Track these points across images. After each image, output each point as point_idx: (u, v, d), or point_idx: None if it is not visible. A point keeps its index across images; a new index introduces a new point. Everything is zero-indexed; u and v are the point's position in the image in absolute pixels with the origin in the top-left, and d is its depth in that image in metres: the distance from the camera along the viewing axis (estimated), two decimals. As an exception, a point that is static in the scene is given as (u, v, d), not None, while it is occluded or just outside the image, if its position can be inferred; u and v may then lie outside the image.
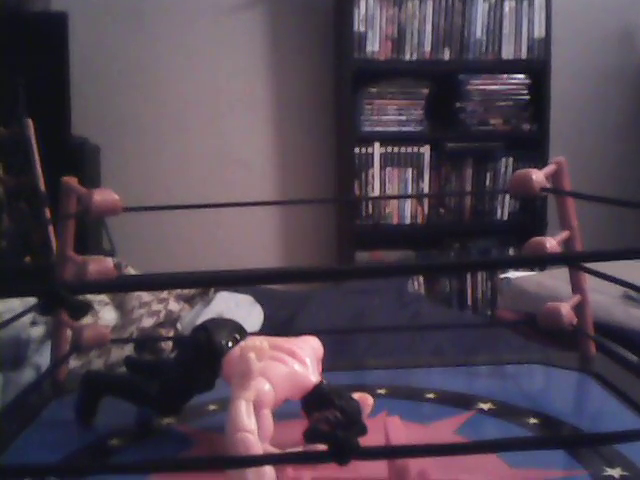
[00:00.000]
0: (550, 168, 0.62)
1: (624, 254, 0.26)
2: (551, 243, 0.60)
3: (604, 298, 0.99)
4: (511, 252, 2.48)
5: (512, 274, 1.52)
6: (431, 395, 0.60)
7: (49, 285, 0.31)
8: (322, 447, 0.43)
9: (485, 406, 0.57)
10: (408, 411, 0.56)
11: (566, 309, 0.62)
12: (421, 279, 2.49)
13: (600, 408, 0.58)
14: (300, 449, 0.46)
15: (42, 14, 2.13)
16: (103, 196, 0.56)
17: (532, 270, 1.96)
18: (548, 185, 0.60)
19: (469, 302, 2.51)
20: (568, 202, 0.63)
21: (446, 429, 0.53)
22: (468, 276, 2.51)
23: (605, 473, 0.46)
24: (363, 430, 0.46)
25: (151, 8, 2.44)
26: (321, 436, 0.45)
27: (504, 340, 0.89)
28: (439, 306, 1.42)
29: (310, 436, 0.45)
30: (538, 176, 0.60)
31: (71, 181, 0.60)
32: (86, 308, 0.67)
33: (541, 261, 0.62)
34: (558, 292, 1.10)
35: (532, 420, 0.54)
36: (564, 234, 0.63)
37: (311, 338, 0.54)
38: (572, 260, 0.54)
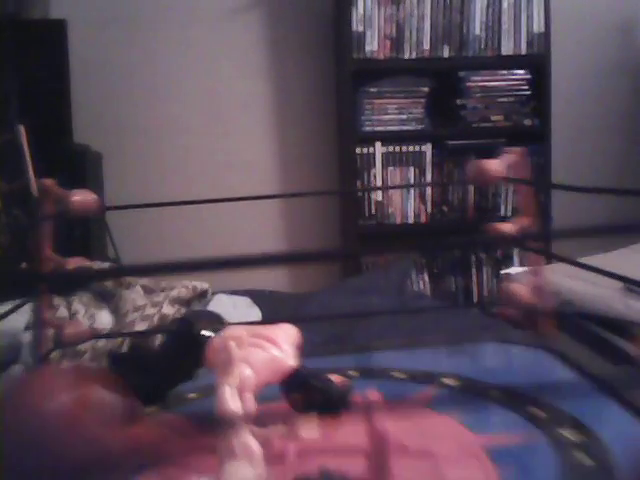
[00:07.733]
0: (508, 157, 0.63)
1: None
2: (509, 228, 0.63)
3: (604, 291, 0.99)
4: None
5: (513, 270, 1.51)
6: (401, 375, 0.64)
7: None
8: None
9: (451, 382, 0.62)
10: (379, 389, 0.59)
11: (522, 289, 0.65)
12: (426, 278, 2.48)
13: (559, 381, 0.63)
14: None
15: (41, 22, 2.14)
16: (82, 196, 0.56)
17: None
18: (505, 174, 0.61)
19: (475, 300, 2.50)
20: (526, 191, 0.66)
21: (416, 403, 0.57)
22: (473, 273, 2.50)
23: (559, 433, 0.52)
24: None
25: (150, 14, 2.45)
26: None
27: (490, 327, 0.91)
28: (441, 303, 1.42)
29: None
30: (494, 165, 0.61)
31: (48, 183, 0.61)
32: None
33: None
34: (555, 286, 1.09)
35: (495, 393, 0.59)
36: (522, 220, 0.65)
37: (287, 325, 0.57)
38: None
